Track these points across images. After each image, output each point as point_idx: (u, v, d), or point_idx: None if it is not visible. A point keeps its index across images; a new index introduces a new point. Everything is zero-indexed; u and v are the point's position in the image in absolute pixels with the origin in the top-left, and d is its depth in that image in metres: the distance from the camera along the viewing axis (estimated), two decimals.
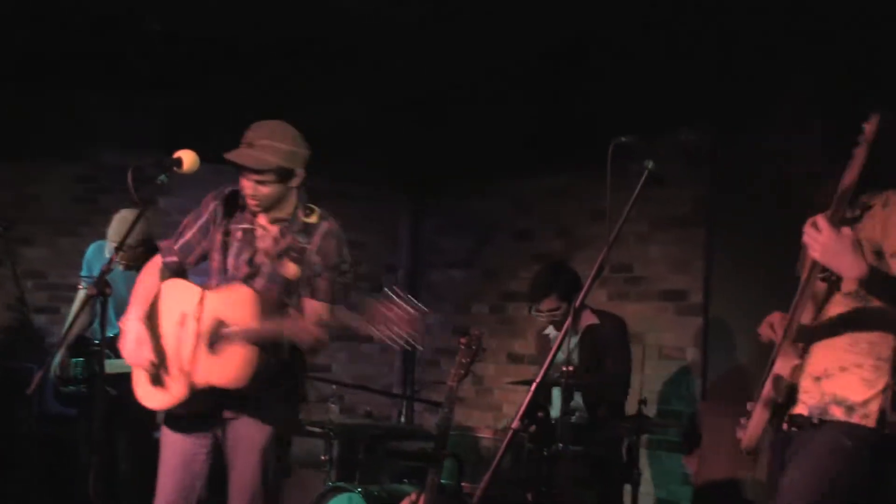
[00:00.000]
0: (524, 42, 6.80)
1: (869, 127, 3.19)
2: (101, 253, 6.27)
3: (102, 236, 6.25)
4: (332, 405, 6.82)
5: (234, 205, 4.31)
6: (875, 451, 3.33)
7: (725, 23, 6.12)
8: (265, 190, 4.14)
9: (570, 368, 5.23)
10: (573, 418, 5.37)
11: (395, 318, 3.73)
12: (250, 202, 4.20)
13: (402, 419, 7.27)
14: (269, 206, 4.21)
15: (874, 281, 3.19)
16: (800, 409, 3.45)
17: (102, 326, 4.11)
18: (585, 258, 6.90)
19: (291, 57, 7.22)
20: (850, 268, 3.16)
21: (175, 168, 4.05)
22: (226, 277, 4.23)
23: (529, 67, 7.31)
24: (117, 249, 4.79)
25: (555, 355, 3.39)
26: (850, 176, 3.24)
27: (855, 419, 3.33)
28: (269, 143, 4.10)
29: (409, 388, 8.92)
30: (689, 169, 6.46)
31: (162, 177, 3.99)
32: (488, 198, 8.50)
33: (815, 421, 3.39)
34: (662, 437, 6.67)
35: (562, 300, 5.73)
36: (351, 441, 6.17)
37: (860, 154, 3.21)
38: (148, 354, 4.09)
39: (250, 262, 4.22)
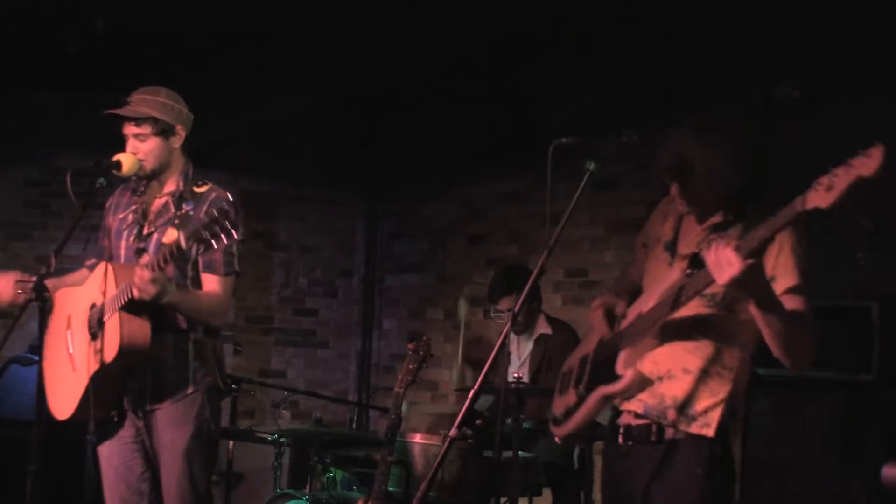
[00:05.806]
0: (475, 39, 6.73)
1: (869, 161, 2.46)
2: None
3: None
4: (284, 411, 6.78)
5: (124, 195, 4.28)
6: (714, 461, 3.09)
7: (671, 20, 6.12)
8: (146, 146, 4.07)
9: (519, 375, 5.21)
10: (525, 424, 5.33)
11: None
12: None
13: (354, 425, 7.22)
14: (153, 169, 4.12)
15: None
16: (634, 405, 3.25)
17: (41, 333, 4.02)
18: None
19: (242, 53, 7.13)
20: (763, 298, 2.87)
21: (115, 171, 4.00)
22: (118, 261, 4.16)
23: (481, 70, 7.27)
24: (55, 255, 4.70)
25: (495, 360, 3.33)
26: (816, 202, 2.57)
27: (694, 429, 3.09)
28: (142, 97, 4.09)
29: (364, 394, 8.86)
30: (641, 171, 6.40)
31: (101, 180, 3.92)
32: (442, 202, 8.46)
33: (654, 429, 3.18)
34: None
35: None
36: (301, 447, 6.11)
37: (842, 181, 2.49)
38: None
39: (138, 237, 4.13)
